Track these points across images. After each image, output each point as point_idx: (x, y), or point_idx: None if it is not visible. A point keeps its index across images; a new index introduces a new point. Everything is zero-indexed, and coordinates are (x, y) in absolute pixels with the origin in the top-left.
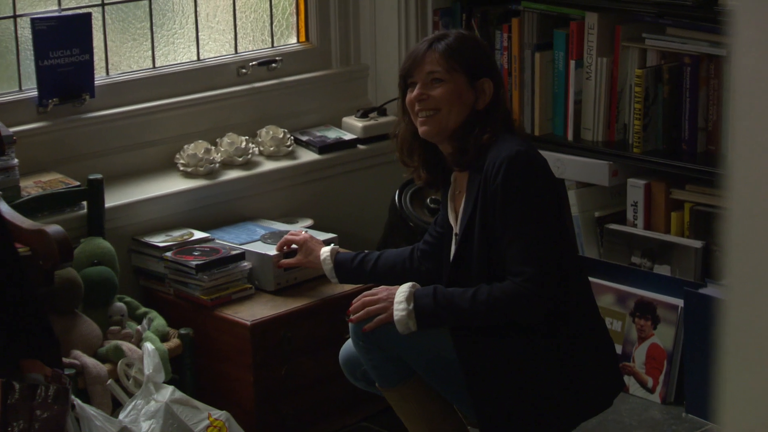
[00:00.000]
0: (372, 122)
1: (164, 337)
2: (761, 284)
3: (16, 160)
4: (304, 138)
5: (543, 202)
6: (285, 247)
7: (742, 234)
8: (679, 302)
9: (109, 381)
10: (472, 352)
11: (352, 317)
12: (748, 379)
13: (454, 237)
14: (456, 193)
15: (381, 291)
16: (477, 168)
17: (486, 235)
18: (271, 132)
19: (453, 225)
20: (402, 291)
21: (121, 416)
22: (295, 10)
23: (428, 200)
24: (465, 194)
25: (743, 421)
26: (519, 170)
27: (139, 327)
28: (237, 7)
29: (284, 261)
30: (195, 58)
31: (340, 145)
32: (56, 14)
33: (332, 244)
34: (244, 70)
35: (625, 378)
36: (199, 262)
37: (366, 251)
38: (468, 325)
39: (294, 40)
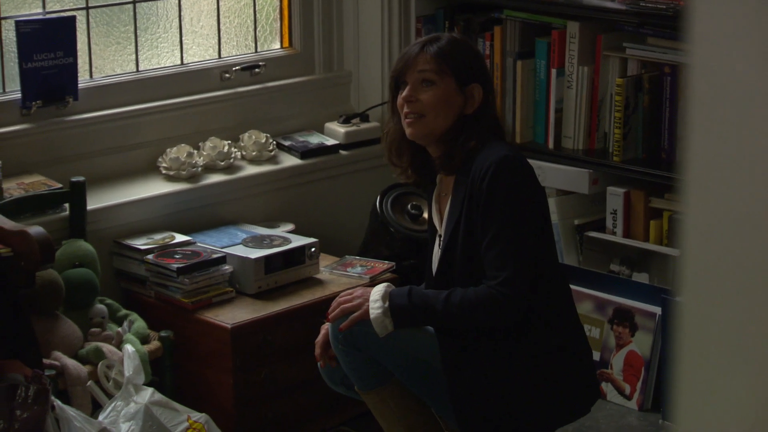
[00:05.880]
0: (354, 128)
1: (145, 340)
2: (715, 287)
3: None
4: (287, 143)
5: (525, 208)
6: None
7: (696, 237)
8: (658, 310)
9: (89, 382)
10: (455, 355)
11: (329, 317)
12: (702, 383)
13: (438, 239)
14: (441, 195)
15: (356, 291)
16: (464, 172)
17: (470, 239)
18: (253, 136)
19: (437, 227)
20: (377, 290)
21: (100, 417)
22: (278, 16)
23: (409, 206)
24: (450, 197)
25: (698, 421)
26: (505, 175)
27: (119, 329)
28: (221, 12)
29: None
30: (179, 62)
31: (322, 150)
32: (41, 17)
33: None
34: (227, 75)
35: (603, 385)
36: (180, 265)
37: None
38: (447, 328)
39: (277, 45)
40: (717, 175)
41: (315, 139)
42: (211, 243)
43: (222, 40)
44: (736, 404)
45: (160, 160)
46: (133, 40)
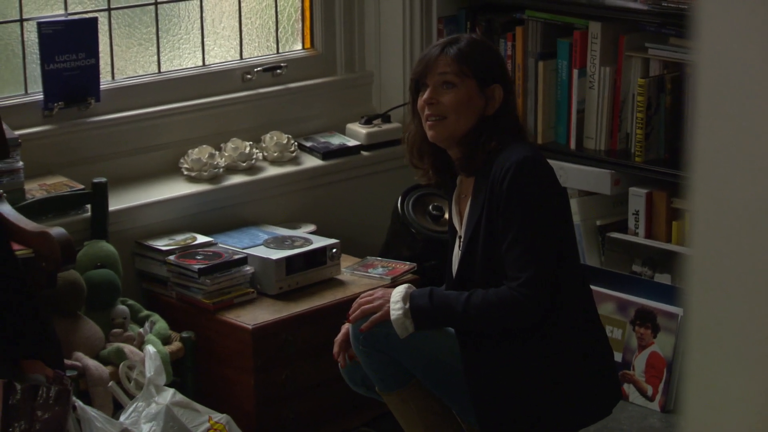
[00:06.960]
0: (376, 129)
1: (166, 340)
2: (723, 285)
3: (21, 163)
4: (308, 144)
5: (545, 209)
6: None
7: (703, 236)
8: (680, 311)
9: (111, 383)
10: (476, 356)
11: (349, 318)
12: (710, 380)
13: (458, 240)
14: (461, 197)
15: (377, 292)
16: (484, 173)
17: (490, 240)
18: (275, 137)
19: (457, 228)
20: (398, 291)
21: (122, 418)
22: (300, 17)
23: (430, 207)
24: (470, 198)
25: (705, 419)
26: (525, 176)
27: (141, 330)
28: (242, 13)
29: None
30: (200, 63)
31: (343, 151)
32: (63, 18)
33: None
34: (249, 76)
35: (625, 386)
36: (201, 266)
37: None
38: (466, 329)
39: (299, 46)
40: (723, 173)
41: (336, 140)
42: (232, 244)
43: (243, 41)
44: (744, 403)
45: (181, 161)
46: (155, 42)
